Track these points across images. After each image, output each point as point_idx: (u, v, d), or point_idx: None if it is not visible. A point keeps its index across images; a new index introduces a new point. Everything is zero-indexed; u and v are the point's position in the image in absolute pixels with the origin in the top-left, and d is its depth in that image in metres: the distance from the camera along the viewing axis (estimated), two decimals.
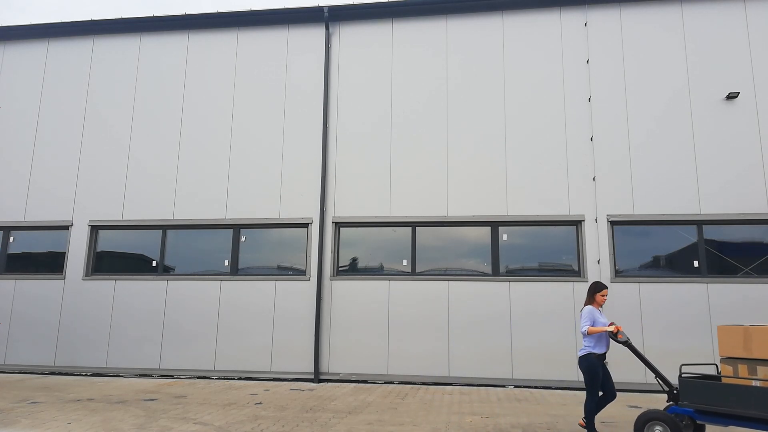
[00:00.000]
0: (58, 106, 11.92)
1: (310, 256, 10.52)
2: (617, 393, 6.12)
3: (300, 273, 10.59)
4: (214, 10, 19.36)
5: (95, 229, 11.37)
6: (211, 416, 6.95)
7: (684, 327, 9.29)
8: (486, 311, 9.85)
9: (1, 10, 46.67)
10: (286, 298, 10.44)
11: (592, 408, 5.73)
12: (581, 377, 9.11)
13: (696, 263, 9.60)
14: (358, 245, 10.64)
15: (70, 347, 10.87)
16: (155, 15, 11.76)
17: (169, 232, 11.16)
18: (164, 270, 11.04)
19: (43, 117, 11.93)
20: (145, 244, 11.22)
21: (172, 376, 10.48)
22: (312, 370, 10.05)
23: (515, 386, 9.52)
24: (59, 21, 12.22)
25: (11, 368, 11.01)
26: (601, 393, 5.81)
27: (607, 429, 6.25)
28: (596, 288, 6.00)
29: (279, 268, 10.73)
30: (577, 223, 9.99)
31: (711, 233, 9.69)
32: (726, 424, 5.03)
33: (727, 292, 9.31)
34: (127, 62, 11.86)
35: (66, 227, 11.39)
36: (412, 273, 10.30)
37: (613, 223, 9.87)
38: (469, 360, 9.74)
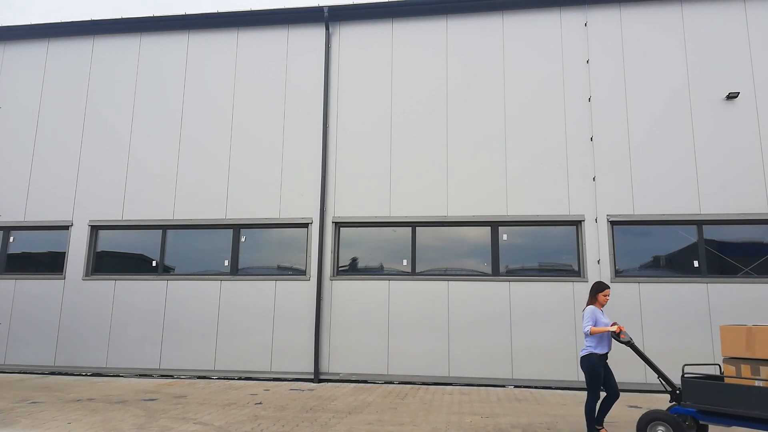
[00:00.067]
0: (58, 106, 11.92)
1: (310, 256, 10.52)
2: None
3: (300, 273, 10.59)
4: (214, 10, 19.37)
5: (95, 229, 11.37)
6: (211, 416, 6.95)
7: (684, 327, 9.29)
8: (486, 311, 9.85)
9: (1, 10, 46.69)
10: (286, 298, 10.44)
11: (592, 408, 5.73)
12: (581, 377, 9.13)
13: (696, 263, 9.60)
14: (358, 245, 10.65)
15: (70, 347, 10.87)
16: (155, 15, 11.77)
17: (169, 232, 11.16)
18: (164, 270, 11.04)
19: (43, 117, 11.93)
20: (145, 244, 11.22)
21: (172, 376, 10.48)
22: (312, 370, 10.05)
23: (515, 386, 9.52)
24: (59, 21, 12.22)
25: (11, 368, 11.01)
26: (604, 393, 5.80)
27: (607, 428, 6.24)
28: (598, 288, 5.99)
29: (279, 268, 10.73)
30: (577, 223, 9.99)
31: (711, 233, 9.69)
32: (729, 425, 5.01)
33: (727, 292, 9.30)
34: (127, 62, 11.86)
35: (66, 227, 11.39)
36: (412, 273, 10.30)
37: (613, 223, 9.87)
38: (469, 360, 9.74)
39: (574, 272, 9.87)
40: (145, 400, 8.10)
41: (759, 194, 9.54)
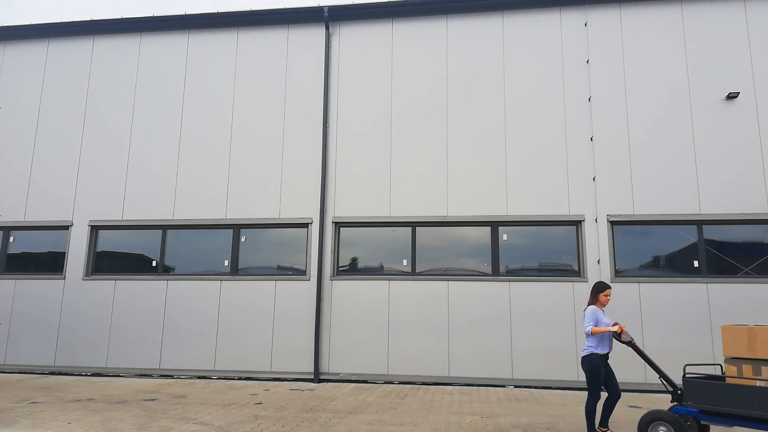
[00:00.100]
0: (58, 106, 11.92)
1: (310, 256, 10.52)
2: None
3: (300, 273, 10.59)
4: (214, 10, 19.38)
5: (95, 229, 11.37)
6: (211, 416, 6.95)
7: (684, 327, 9.29)
8: (486, 311, 9.85)
9: (1, 10, 46.69)
10: (286, 298, 10.44)
11: (592, 409, 5.73)
12: (581, 377, 9.15)
13: (696, 263, 9.60)
14: (358, 245, 10.65)
15: (70, 347, 10.87)
16: (155, 15, 11.77)
17: (169, 232, 11.16)
18: (164, 270, 11.04)
19: (43, 117, 11.93)
20: (145, 244, 11.22)
21: (172, 376, 10.48)
22: (312, 370, 10.05)
23: (515, 386, 9.52)
24: (59, 21, 12.22)
25: (11, 368, 11.00)
26: (605, 394, 5.80)
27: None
28: (600, 288, 5.98)
29: (279, 268, 10.73)
30: (577, 223, 9.99)
31: (711, 233, 9.69)
32: (730, 425, 5.01)
33: (727, 292, 9.30)
34: (127, 62, 11.86)
35: (66, 227, 11.39)
36: (412, 273, 10.30)
37: (613, 223, 9.87)
38: (469, 360, 9.74)
39: (574, 272, 9.87)
40: (145, 400, 8.10)
41: (759, 194, 9.54)
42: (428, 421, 6.74)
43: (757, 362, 4.96)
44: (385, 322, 10.09)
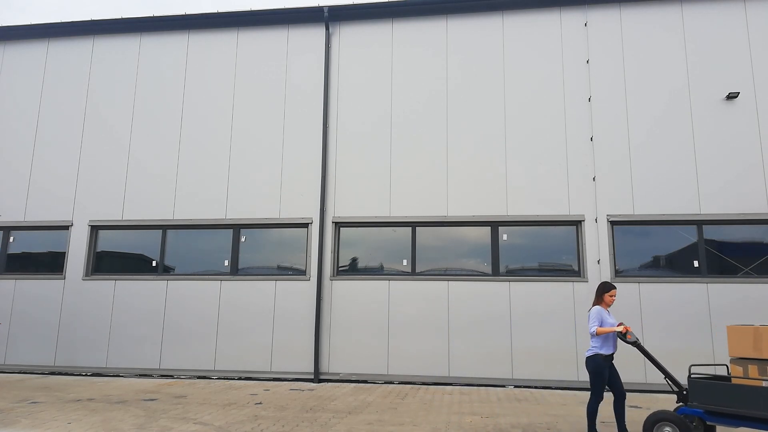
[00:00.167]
0: (58, 106, 11.92)
1: (310, 256, 10.52)
2: None
3: (300, 273, 10.58)
4: (214, 10, 19.37)
5: (95, 229, 11.37)
6: (211, 416, 6.95)
7: (684, 327, 9.29)
8: (486, 311, 9.85)
9: (1, 10, 46.68)
10: (286, 298, 10.44)
11: (594, 409, 5.71)
12: (581, 377, 9.16)
13: (696, 263, 9.60)
14: (358, 245, 10.64)
15: (70, 347, 10.87)
16: (155, 15, 11.77)
17: (169, 232, 11.16)
18: (164, 270, 11.04)
19: (43, 117, 11.92)
20: (145, 244, 11.22)
21: (172, 376, 10.48)
22: (312, 370, 10.05)
23: (515, 386, 9.52)
24: (59, 21, 12.22)
25: (11, 368, 11.00)
26: (611, 396, 5.78)
27: (607, 429, 6.24)
28: (605, 288, 5.96)
29: (279, 268, 10.73)
30: (577, 223, 9.99)
31: (711, 233, 9.69)
32: (736, 425, 4.98)
33: (727, 292, 9.30)
34: (127, 62, 11.86)
35: (66, 227, 11.39)
36: (412, 273, 10.30)
37: (613, 223, 9.87)
38: (469, 360, 9.74)
39: (574, 272, 9.87)
40: (145, 400, 8.10)
41: (759, 194, 9.54)
42: (428, 421, 6.74)
43: (763, 362, 4.94)
44: (385, 322, 10.09)
